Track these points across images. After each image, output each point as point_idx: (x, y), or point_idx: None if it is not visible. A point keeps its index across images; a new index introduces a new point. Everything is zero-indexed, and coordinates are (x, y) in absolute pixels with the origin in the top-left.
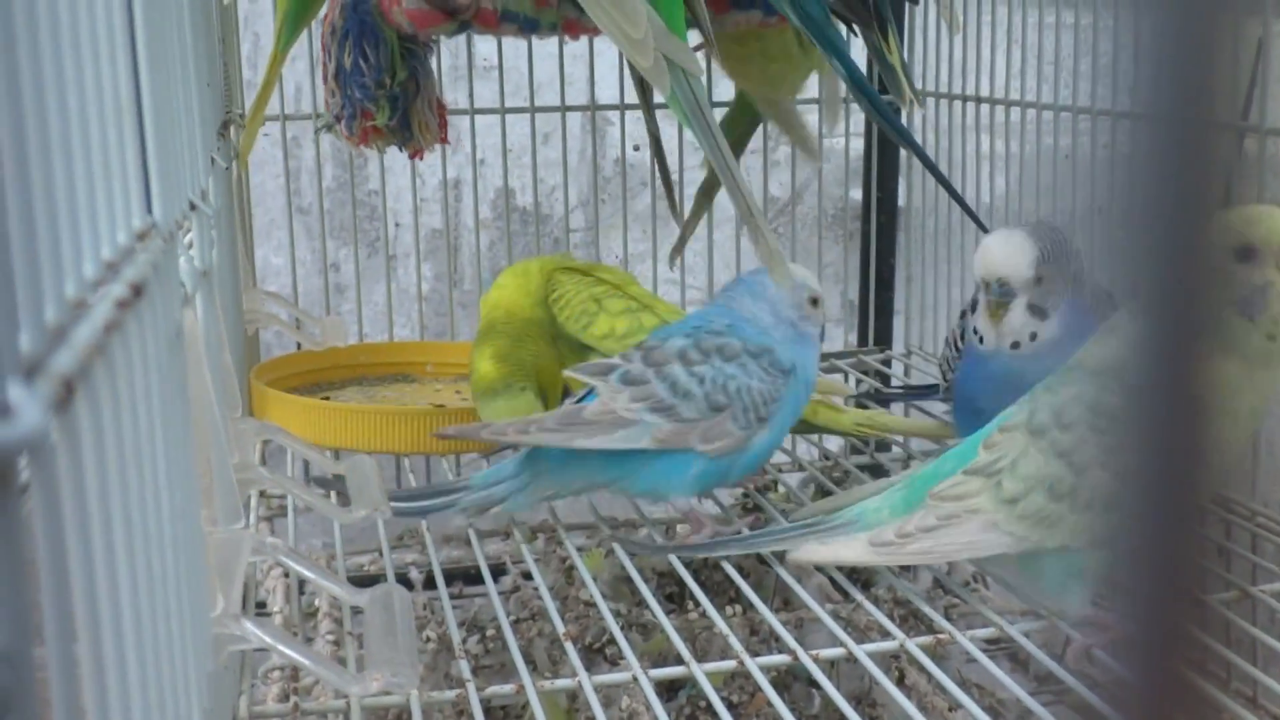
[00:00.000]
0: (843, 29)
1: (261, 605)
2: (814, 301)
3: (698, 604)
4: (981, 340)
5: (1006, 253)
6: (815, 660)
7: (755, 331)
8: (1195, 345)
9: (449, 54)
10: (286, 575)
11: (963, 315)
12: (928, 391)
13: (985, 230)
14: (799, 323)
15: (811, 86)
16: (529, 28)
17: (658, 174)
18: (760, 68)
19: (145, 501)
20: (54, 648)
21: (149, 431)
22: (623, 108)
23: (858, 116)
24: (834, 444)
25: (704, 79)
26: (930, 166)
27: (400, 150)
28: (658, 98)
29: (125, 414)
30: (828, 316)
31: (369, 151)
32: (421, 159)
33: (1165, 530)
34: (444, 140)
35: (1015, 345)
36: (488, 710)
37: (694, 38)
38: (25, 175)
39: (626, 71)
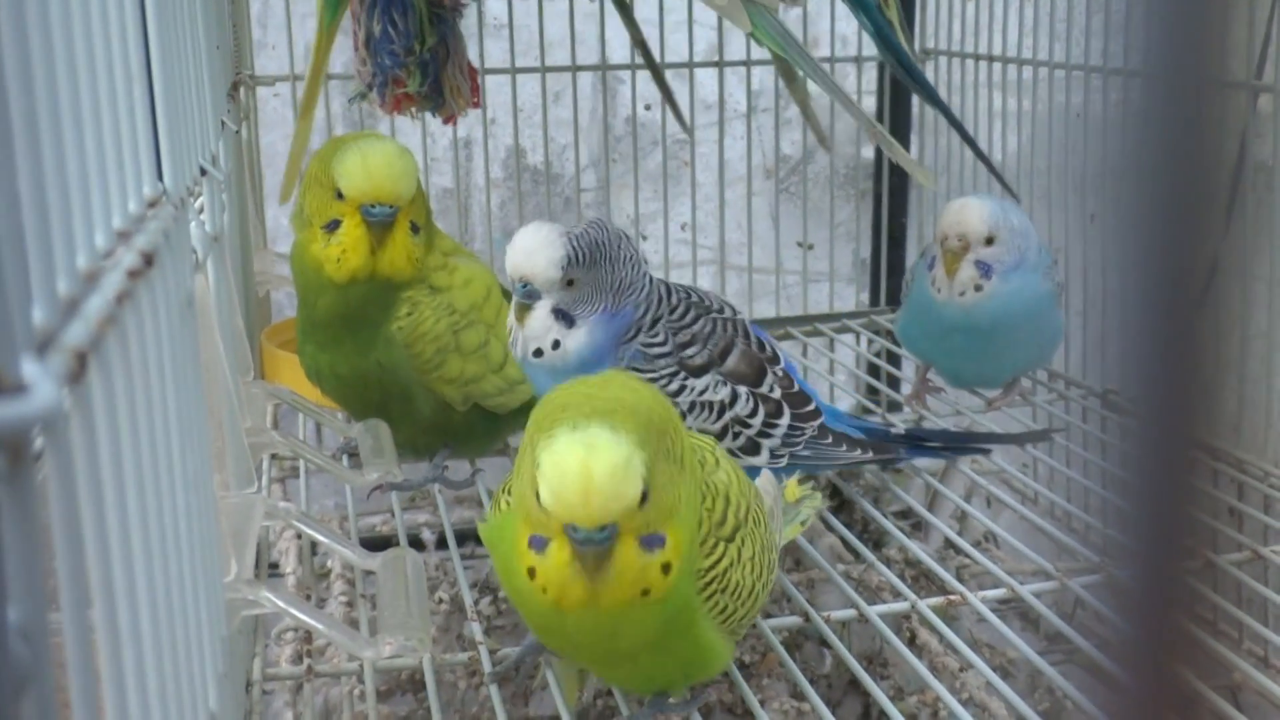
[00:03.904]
0: None
1: (275, 566)
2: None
3: None
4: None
5: (530, 250)
6: (827, 621)
7: None
8: (1192, 304)
9: None
10: (299, 536)
11: None
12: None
13: (1011, 190)
14: None
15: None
16: None
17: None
18: None
19: (158, 469)
20: (69, 615)
21: (161, 399)
22: (634, 67)
23: (869, 74)
24: None
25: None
26: (955, 124)
27: (434, 116)
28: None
29: (137, 383)
30: (839, 275)
31: (379, 111)
32: (454, 124)
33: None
34: (476, 104)
35: (538, 353)
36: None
37: None
38: (36, 146)
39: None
